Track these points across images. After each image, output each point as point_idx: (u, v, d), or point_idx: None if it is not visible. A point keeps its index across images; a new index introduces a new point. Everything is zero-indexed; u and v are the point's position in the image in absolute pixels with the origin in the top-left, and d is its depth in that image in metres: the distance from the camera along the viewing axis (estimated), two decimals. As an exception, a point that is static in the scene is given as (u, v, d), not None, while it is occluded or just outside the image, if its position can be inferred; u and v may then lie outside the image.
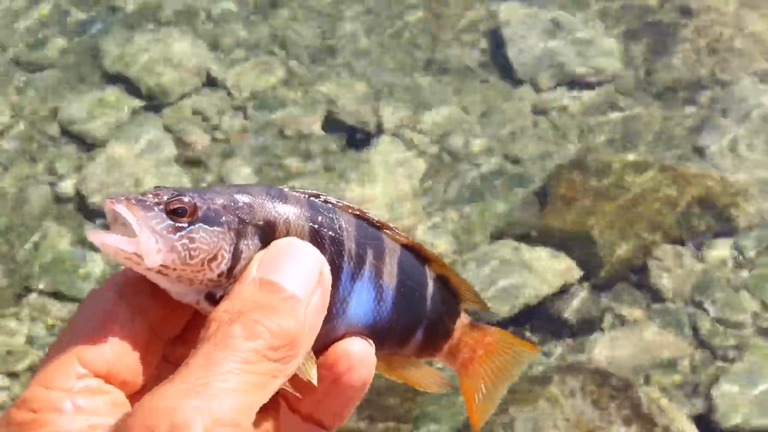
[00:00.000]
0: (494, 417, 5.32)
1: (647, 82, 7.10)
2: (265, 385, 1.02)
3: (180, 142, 6.72)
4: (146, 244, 1.06)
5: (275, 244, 1.12)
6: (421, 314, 1.25)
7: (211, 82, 7.03)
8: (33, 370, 5.61)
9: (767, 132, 6.73)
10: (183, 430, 0.93)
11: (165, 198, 1.10)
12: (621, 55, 7.22)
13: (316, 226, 1.16)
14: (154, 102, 6.90)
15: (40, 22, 7.42)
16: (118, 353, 1.06)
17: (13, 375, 5.69)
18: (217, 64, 7.14)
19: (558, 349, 5.81)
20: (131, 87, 6.98)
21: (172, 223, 1.09)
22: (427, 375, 1.31)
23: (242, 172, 6.57)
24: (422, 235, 6.30)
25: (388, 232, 1.23)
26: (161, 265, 1.07)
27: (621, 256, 6.08)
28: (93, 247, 6.14)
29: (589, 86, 7.04)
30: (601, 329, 5.87)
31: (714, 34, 7.28)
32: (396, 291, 1.22)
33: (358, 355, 1.16)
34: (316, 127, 6.81)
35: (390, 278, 1.21)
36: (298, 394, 1.12)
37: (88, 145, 6.69)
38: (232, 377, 0.99)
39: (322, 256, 1.12)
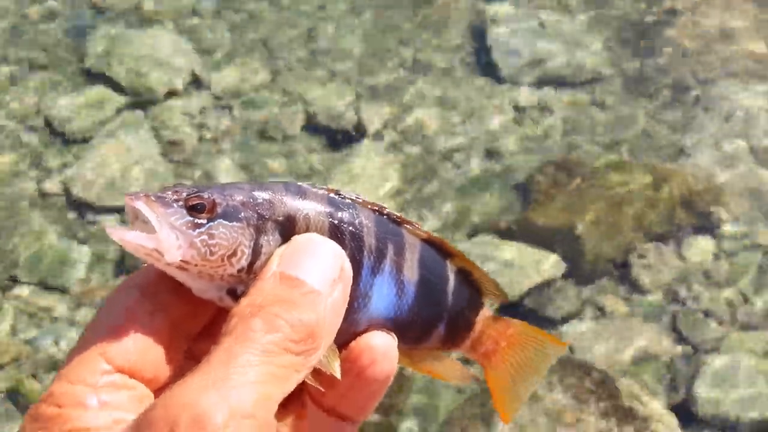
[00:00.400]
0: (474, 411, 5.39)
1: (632, 82, 7.13)
2: (285, 378, 1.03)
3: (165, 140, 6.74)
4: (166, 240, 1.08)
5: (295, 240, 1.13)
6: (443, 308, 1.25)
7: (197, 83, 7.06)
8: (17, 360, 5.70)
9: (748, 131, 6.76)
10: (202, 422, 0.95)
11: (184, 194, 1.12)
12: (606, 55, 7.27)
13: (336, 222, 1.17)
14: (140, 100, 6.92)
15: (27, 20, 7.44)
16: (141, 349, 1.07)
17: None
18: (201, 65, 7.17)
19: None
20: (117, 86, 7.00)
21: (191, 219, 1.10)
22: (450, 367, 1.32)
23: (227, 169, 6.60)
24: None
25: (408, 227, 1.23)
26: (181, 261, 1.09)
27: (604, 252, 6.10)
28: (79, 239, 6.27)
29: (574, 85, 7.08)
30: (583, 323, 5.87)
31: (698, 36, 7.31)
32: (417, 285, 1.22)
33: (381, 349, 1.16)
34: (299, 128, 6.84)
35: (411, 273, 1.21)
36: (321, 388, 1.13)
37: (74, 142, 6.71)
38: (251, 370, 1.00)
39: (343, 251, 1.13)
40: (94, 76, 7.07)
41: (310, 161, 6.72)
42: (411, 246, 1.22)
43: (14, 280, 6.07)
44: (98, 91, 6.99)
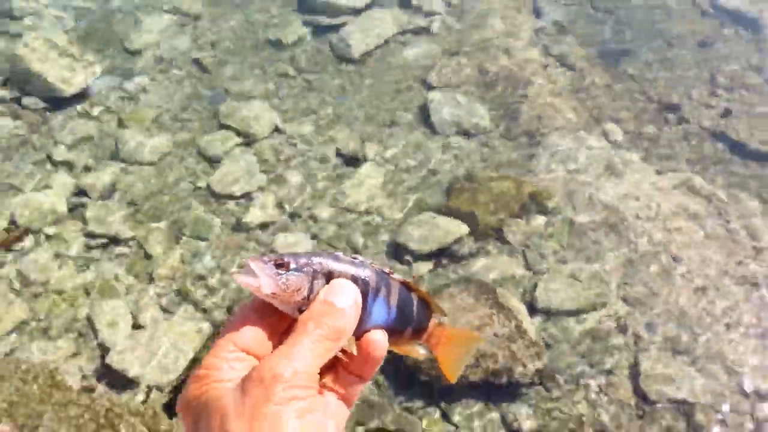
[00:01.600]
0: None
1: (504, 133, 7.07)
2: (325, 354, 1.02)
3: (261, 160, 6.68)
4: (264, 282, 1.07)
5: (333, 283, 1.10)
6: (410, 319, 1.20)
7: (277, 131, 6.98)
8: (183, 276, 5.66)
9: (566, 159, 6.74)
10: (277, 376, 0.95)
11: (273, 258, 1.10)
12: (491, 118, 7.17)
13: (354, 274, 1.13)
14: (247, 141, 6.85)
15: (185, 96, 7.34)
16: (253, 339, 1.05)
17: (170, 279, 5.68)
18: (280, 121, 7.07)
19: (455, 269, 5.83)
20: (235, 132, 6.92)
21: (277, 271, 1.08)
22: (415, 350, 1.25)
23: (294, 177, 6.57)
24: (388, 211, 6.29)
25: (392, 277, 1.18)
26: (272, 293, 1.07)
27: (489, 223, 6.13)
28: (214, 213, 6.21)
29: (475, 135, 7.02)
30: (478, 259, 5.90)
31: (539, 107, 7.28)
32: (397, 308, 1.17)
33: (378, 342, 1.12)
34: (332, 155, 6.80)
35: (394, 301, 1.16)
36: (346, 359, 1.10)
37: (212, 161, 6.67)
38: (306, 349, 1.00)
39: (358, 289, 1.11)
40: (223, 126, 6.94)
41: (337, 173, 6.65)
42: (394, 286, 1.17)
43: (181, 234, 6.05)
44: (225, 134, 6.89)
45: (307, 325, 1.04)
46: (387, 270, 1.18)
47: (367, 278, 1.14)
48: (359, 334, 1.12)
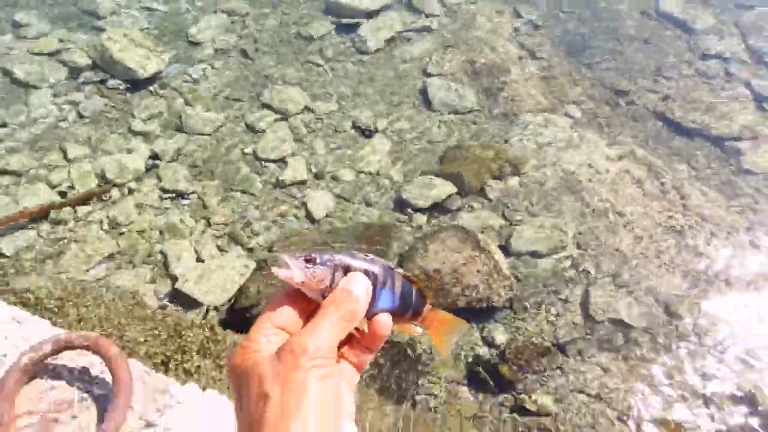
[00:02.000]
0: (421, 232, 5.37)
1: (487, 113, 6.98)
2: (342, 332, 0.99)
3: (294, 132, 6.61)
4: (296, 273, 1.04)
5: (349, 275, 1.06)
6: (409, 305, 1.15)
7: (307, 109, 6.90)
8: (232, 222, 5.55)
9: (536, 134, 6.64)
10: (303, 349, 0.93)
11: (304, 255, 1.06)
12: (477, 100, 7.08)
13: (367, 268, 1.08)
14: (283, 117, 6.78)
15: (235, 80, 7.24)
16: (288, 318, 1.02)
17: (223, 224, 5.66)
18: (310, 102, 6.98)
19: (446, 220, 5.81)
20: (274, 110, 6.85)
21: (306, 265, 1.05)
22: (413, 329, 1.19)
23: (321, 146, 6.51)
24: (393, 173, 6.24)
25: (396, 270, 1.13)
26: (302, 282, 1.04)
27: (473, 184, 6.08)
28: (258, 173, 6.13)
29: (464, 113, 6.92)
30: (464, 212, 5.86)
31: (515, 92, 7.15)
32: (399, 295, 1.12)
33: (384, 323, 1.08)
34: (349, 128, 6.73)
35: (397, 290, 1.12)
36: (358, 335, 1.07)
37: (257, 132, 6.60)
38: (326, 328, 0.97)
39: (368, 280, 1.07)
40: (265, 105, 6.87)
41: (354, 142, 6.56)
42: (397, 278, 1.12)
43: (232, 190, 6.02)
44: (266, 111, 6.82)
45: (328, 308, 1.01)
46: (392, 265, 1.14)
47: (376, 272, 1.11)
48: (369, 316, 1.10)
